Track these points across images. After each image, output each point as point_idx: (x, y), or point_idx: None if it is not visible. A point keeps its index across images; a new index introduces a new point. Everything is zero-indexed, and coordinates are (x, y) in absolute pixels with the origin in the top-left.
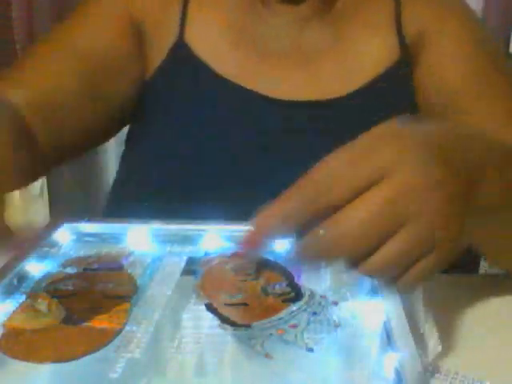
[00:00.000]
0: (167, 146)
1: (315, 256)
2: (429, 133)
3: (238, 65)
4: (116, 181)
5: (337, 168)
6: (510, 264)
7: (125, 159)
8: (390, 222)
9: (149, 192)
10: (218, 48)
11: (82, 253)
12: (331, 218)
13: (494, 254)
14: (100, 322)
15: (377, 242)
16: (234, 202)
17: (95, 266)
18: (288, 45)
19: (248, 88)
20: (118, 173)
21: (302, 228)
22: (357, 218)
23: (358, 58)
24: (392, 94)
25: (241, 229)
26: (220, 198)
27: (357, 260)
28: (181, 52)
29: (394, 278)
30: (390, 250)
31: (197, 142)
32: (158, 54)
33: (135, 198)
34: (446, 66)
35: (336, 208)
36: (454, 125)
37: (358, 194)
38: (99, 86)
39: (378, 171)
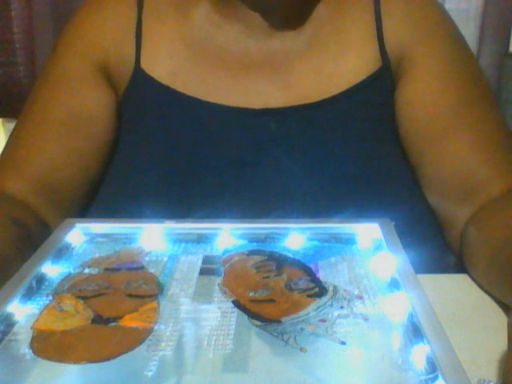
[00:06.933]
0: (140, 167)
1: None
2: None
3: (204, 80)
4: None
5: None
6: None
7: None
8: None
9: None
10: (179, 68)
11: (96, 253)
12: None
13: None
14: (131, 322)
15: None
16: (213, 216)
17: (115, 266)
18: (256, 54)
19: (211, 101)
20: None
21: None
22: None
23: (334, 66)
24: (370, 103)
25: (253, 227)
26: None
27: None
28: (139, 79)
29: None
30: None
31: (168, 165)
32: (120, 85)
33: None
34: (432, 94)
35: None
36: None
37: None
38: (88, 143)
39: None
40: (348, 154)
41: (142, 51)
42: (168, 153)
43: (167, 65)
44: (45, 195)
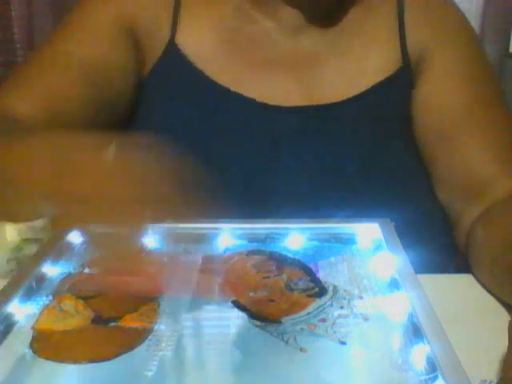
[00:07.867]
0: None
1: None
2: None
3: (231, 70)
4: None
5: None
6: None
7: None
8: None
9: None
10: (209, 52)
11: (96, 254)
12: None
13: None
14: (131, 322)
15: None
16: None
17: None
18: (283, 50)
19: (239, 93)
20: None
21: None
22: None
23: (357, 65)
24: (390, 102)
25: (253, 227)
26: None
27: None
28: (172, 54)
29: None
30: None
31: (185, 146)
32: (151, 55)
33: None
34: (447, 94)
35: None
36: None
37: None
38: (100, 92)
39: None
40: (368, 152)
41: (177, 29)
42: (178, 135)
43: (199, 47)
44: (46, 120)
